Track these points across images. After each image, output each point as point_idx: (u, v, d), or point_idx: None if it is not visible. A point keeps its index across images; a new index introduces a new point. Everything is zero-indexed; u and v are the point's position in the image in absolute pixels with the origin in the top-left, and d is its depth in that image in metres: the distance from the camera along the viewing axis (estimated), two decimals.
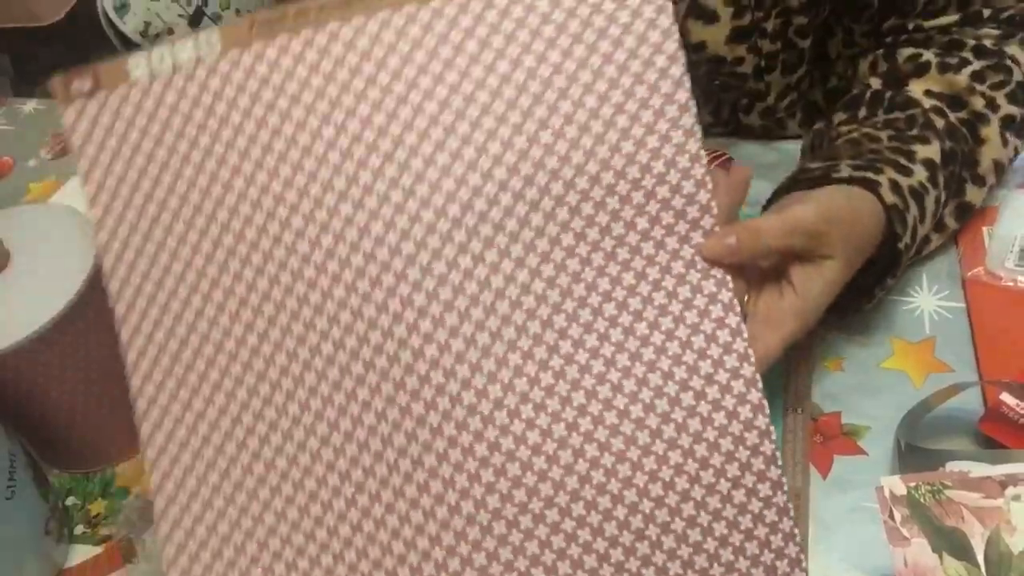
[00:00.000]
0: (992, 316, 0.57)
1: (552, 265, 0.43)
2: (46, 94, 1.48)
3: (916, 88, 0.59)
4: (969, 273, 0.59)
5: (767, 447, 0.42)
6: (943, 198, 0.56)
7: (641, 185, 0.43)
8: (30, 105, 0.91)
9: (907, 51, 0.61)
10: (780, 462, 0.42)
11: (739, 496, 0.42)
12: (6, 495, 0.48)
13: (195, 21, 1.21)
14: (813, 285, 0.46)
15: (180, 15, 1.19)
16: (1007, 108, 0.58)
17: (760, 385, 0.42)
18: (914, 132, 0.56)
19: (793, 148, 0.70)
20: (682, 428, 0.42)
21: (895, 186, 0.51)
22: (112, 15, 1.11)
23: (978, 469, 0.42)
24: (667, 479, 0.42)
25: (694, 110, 0.43)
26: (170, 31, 1.18)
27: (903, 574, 0.39)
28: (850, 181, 0.51)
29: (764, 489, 0.42)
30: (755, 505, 0.42)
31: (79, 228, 0.55)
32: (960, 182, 0.58)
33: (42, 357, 0.51)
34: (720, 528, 0.42)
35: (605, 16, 0.43)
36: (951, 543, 0.40)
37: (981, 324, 0.56)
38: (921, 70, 0.59)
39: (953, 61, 0.58)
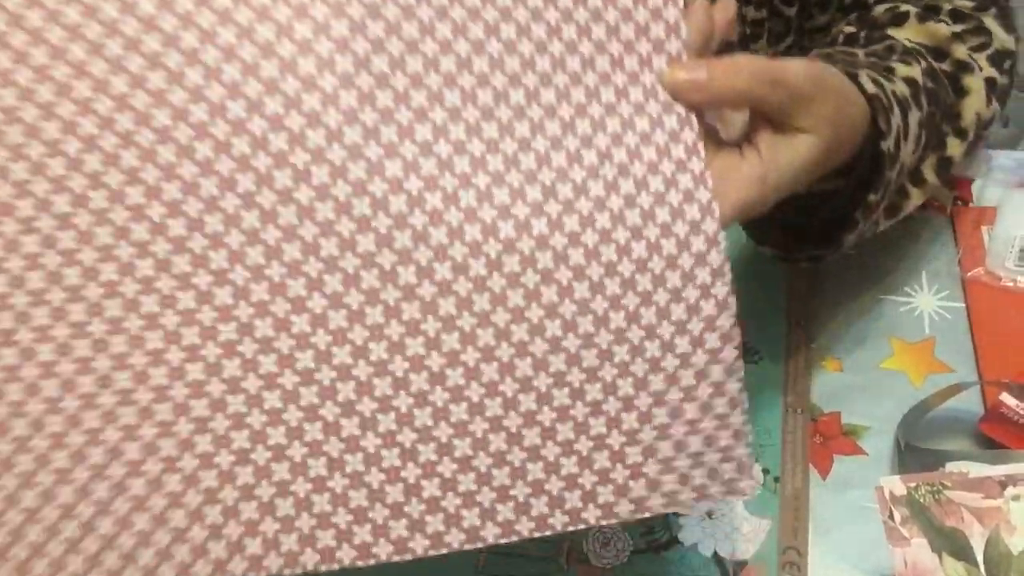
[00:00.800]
0: (992, 316, 0.57)
1: (487, 60, 0.36)
2: None
3: (896, 34, 0.55)
4: (969, 273, 0.59)
5: (725, 321, 0.36)
6: (923, 137, 0.51)
7: None
8: None
9: (883, 6, 0.58)
10: (736, 341, 0.36)
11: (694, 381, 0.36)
12: None
13: None
14: (781, 154, 0.40)
15: None
16: (988, 71, 0.55)
17: (722, 246, 0.36)
18: (894, 57, 0.52)
19: None
20: (628, 284, 0.36)
21: (877, 84, 0.46)
22: None
23: (978, 469, 0.42)
24: (608, 339, 0.36)
25: None
26: None
27: (903, 574, 0.39)
28: None
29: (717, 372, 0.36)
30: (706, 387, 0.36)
31: None
32: (941, 135, 0.54)
33: None
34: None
35: None
36: (951, 543, 0.40)
37: (981, 324, 0.56)
38: (899, 19, 0.56)
39: (932, 16, 0.56)
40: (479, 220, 0.35)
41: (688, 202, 0.36)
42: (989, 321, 0.56)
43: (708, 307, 0.36)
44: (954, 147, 0.55)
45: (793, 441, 0.52)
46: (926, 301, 0.59)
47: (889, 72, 0.50)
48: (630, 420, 0.36)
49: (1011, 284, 0.58)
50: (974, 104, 0.55)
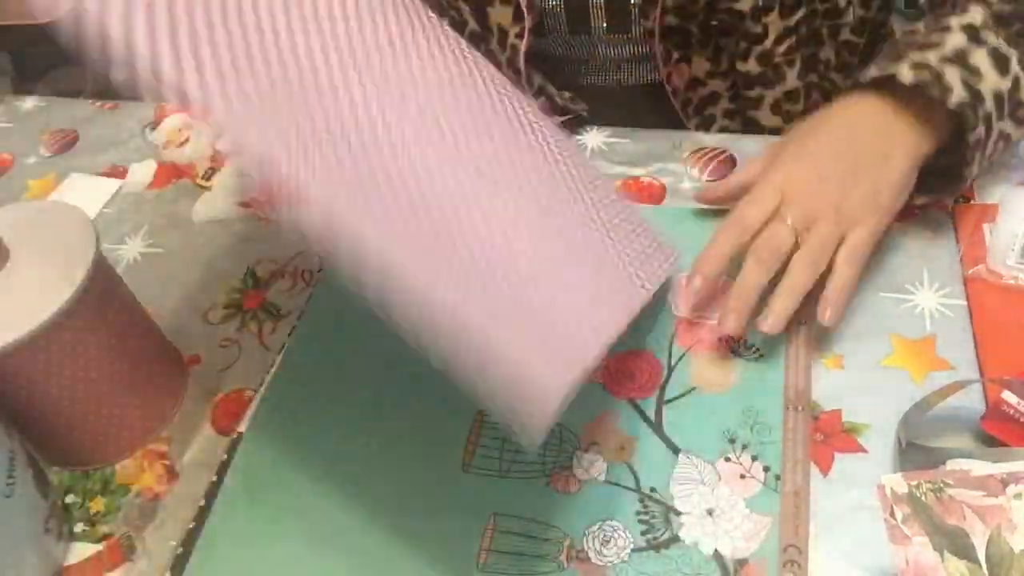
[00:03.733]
0: (993, 314, 0.57)
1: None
2: (45, 91, 1.47)
3: None
4: (970, 270, 0.59)
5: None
6: (1008, 51, 0.56)
7: None
8: (29, 102, 0.91)
9: None
10: None
11: None
12: (5, 493, 0.48)
13: None
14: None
15: None
16: None
17: None
18: (950, 15, 0.57)
19: None
20: None
21: (919, 67, 0.54)
22: None
23: (979, 467, 0.42)
24: None
25: None
26: None
27: (904, 573, 0.39)
28: (871, 83, 0.56)
29: None
30: None
31: (78, 225, 0.55)
32: None
33: (41, 354, 0.51)
34: None
35: None
36: (952, 542, 0.40)
37: (982, 322, 0.56)
38: None
39: None
40: None
41: None
42: (990, 319, 0.56)
43: None
44: None
45: (794, 439, 0.52)
46: (927, 298, 0.59)
47: (944, 31, 0.56)
48: None
49: (1012, 282, 0.58)
50: None
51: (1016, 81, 0.56)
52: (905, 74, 0.54)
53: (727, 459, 0.52)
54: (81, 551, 0.54)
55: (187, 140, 0.82)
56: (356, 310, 0.64)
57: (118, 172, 0.80)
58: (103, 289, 0.53)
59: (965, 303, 0.58)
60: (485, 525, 0.51)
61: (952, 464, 0.47)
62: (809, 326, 0.57)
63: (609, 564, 0.49)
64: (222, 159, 0.79)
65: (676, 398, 0.55)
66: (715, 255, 0.55)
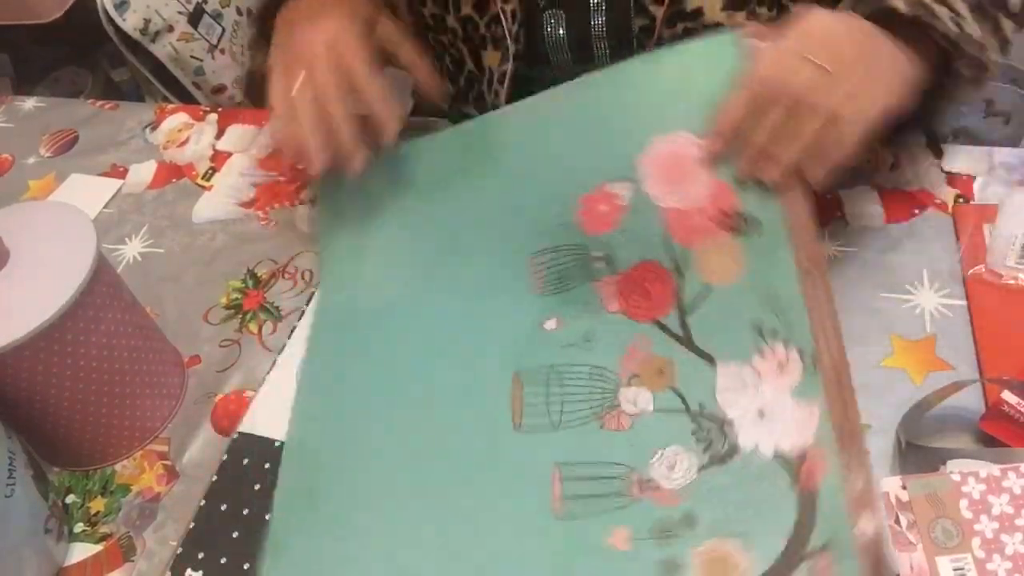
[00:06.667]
0: (993, 314, 0.57)
1: None
2: (46, 92, 1.47)
3: None
4: (970, 271, 0.59)
5: None
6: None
7: None
8: (30, 103, 0.91)
9: None
10: None
11: None
12: (5, 493, 0.48)
13: (195, 18, 1.21)
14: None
15: (180, 12, 1.19)
16: None
17: None
18: None
19: None
20: None
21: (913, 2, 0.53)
22: (112, 12, 1.11)
23: (979, 467, 0.42)
24: None
25: None
26: (170, 28, 1.17)
27: None
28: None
29: None
30: None
31: (78, 225, 0.55)
32: (995, 20, 0.57)
33: (42, 355, 0.51)
34: None
35: None
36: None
37: (982, 322, 0.56)
38: None
39: None
40: None
41: None
42: (990, 319, 0.56)
43: None
44: (1008, 28, 0.58)
45: (818, 304, 0.49)
46: (927, 299, 0.59)
47: None
48: None
49: (1012, 282, 0.58)
50: None
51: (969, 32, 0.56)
52: (900, 5, 0.53)
53: (761, 353, 0.51)
54: (81, 551, 0.54)
55: (187, 140, 0.82)
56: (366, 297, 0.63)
57: (118, 172, 0.80)
58: (103, 289, 0.53)
59: (965, 303, 0.58)
60: (551, 475, 0.51)
61: (952, 464, 0.47)
62: (799, 191, 0.53)
63: (681, 486, 0.49)
64: (222, 159, 0.79)
65: (695, 306, 0.54)
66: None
